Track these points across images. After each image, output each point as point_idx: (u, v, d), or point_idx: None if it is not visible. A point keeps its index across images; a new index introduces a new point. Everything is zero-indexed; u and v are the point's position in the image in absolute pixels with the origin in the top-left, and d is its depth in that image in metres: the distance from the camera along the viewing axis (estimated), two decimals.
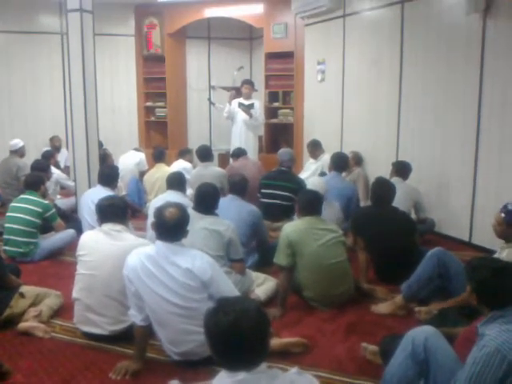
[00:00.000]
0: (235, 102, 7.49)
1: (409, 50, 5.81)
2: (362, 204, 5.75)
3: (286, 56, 8.28)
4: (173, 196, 4.51)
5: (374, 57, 6.40)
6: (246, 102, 7.41)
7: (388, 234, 4.02)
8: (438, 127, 5.45)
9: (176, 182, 4.87)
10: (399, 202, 4.38)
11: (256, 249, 4.49)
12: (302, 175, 6.59)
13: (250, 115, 7.35)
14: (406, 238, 4.08)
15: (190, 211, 3.29)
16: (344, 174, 5.94)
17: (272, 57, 8.42)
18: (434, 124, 5.50)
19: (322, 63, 7.50)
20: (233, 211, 4.21)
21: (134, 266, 2.81)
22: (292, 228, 3.67)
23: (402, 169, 5.25)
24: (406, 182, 5.15)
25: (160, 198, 4.53)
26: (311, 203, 3.76)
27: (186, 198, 4.78)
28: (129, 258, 2.85)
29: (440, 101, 5.39)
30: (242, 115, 7.44)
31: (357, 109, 6.81)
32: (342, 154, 5.79)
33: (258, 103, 7.53)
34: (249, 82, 7.65)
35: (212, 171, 5.97)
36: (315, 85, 7.70)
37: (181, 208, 2.89)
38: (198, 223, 3.60)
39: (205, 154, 6.16)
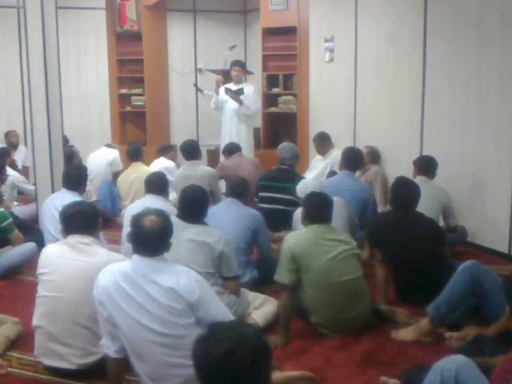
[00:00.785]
0: (223, 88, 7.52)
1: (434, 22, 5.84)
2: (380, 209, 5.76)
3: (287, 32, 8.30)
4: (153, 201, 4.52)
5: (392, 32, 6.43)
6: (236, 87, 7.44)
7: (411, 245, 4.02)
8: (472, 117, 5.46)
9: (156, 184, 4.88)
10: (425, 206, 4.38)
11: (256, 263, 4.52)
12: (308, 175, 6.60)
13: (240, 102, 7.38)
14: (433, 249, 4.08)
15: (174, 219, 3.30)
16: (358, 173, 5.95)
17: (270, 33, 8.44)
18: (467, 113, 5.51)
19: (330, 40, 7.53)
20: (232, 216, 4.34)
21: (106, 286, 2.81)
22: (296, 239, 3.67)
23: (425, 165, 5.26)
24: (432, 182, 5.17)
25: (137, 204, 4.55)
26: (319, 209, 3.77)
27: (168, 204, 4.80)
28: (100, 277, 2.85)
29: (474, 84, 5.41)
30: (231, 104, 7.48)
31: (373, 95, 6.84)
32: (355, 150, 5.79)
33: (251, 88, 7.57)
34: (239, 64, 7.67)
35: (199, 171, 5.98)
36: (322, 66, 7.72)
37: (162, 216, 2.89)
38: (183, 234, 3.61)
39: (191, 151, 6.17)
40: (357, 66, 7.08)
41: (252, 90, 7.54)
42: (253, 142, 7.86)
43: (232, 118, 7.55)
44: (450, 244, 4.69)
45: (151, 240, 2.81)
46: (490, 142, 5.29)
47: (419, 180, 4.94)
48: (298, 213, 4.59)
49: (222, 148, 7.18)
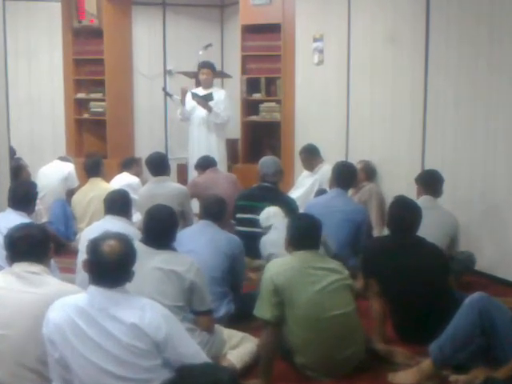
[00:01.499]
0: (190, 93, 7.55)
1: (438, 19, 5.90)
2: (376, 233, 5.78)
3: (271, 30, 8.37)
4: (113, 223, 4.52)
5: (391, 30, 6.51)
6: (204, 92, 7.47)
7: (412, 275, 4.04)
8: (480, 126, 5.50)
9: (118, 203, 4.87)
10: (429, 232, 4.38)
11: (232, 295, 4.52)
12: (294, 194, 6.63)
13: (209, 109, 7.40)
14: (436, 280, 4.10)
15: (138, 244, 3.29)
16: (351, 191, 5.99)
17: (251, 31, 8.51)
18: (475, 121, 5.55)
19: (319, 40, 7.60)
20: (205, 240, 4.37)
21: (58, 322, 2.79)
22: (279, 268, 3.67)
23: (430, 181, 5.24)
24: (439, 206, 5.16)
25: (95, 227, 4.54)
26: (305, 233, 3.78)
27: (131, 227, 4.79)
28: (51, 312, 2.83)
29: (482, 90, 5.45)
30: (200, 111, 7.52)
31: (368, 102, 6.90)
32: (347, 165, 5.85)
33: (223, 93, 7.62)
34: (207, 65, 7.68)
35: (168, 189, 5.97)
36: (311, 69, 7.79)
37: (124, 240, 2.90)
38: (149, 261, 3.60)
39: (158, 165, 6.16)
40: (350, 69, 7.14)
41: (223, 95, 7.57)
42: (225, 154, 7.85)
43: (200, 128, 7.58)
44: (456, 273, 4.71)
45: (111, 268, 2.81)
46: (502, 155, 5.33)
47: (424, 201, 4.94)
48: (266, 239, 4.74)
49: (190, 162, 7.18)
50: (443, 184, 5.25)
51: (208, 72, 7.59)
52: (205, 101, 7.37)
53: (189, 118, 7.65)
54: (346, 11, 7.12)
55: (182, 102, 7.65)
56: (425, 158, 6.13)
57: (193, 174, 7.35)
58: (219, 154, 7.52)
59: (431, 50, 6.00)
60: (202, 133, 7.57)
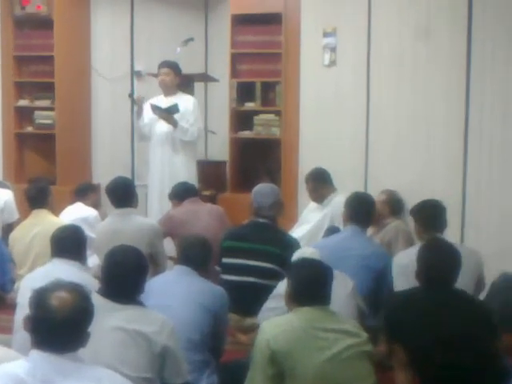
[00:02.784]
0: (149, 105, 7.61)
1: (482, 10, 5.95)
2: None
3: (269, 21, 8.44)
4: (63, 269, 4.50)
5: (422, 24, 6.55)
6: (167, 102, 7.52)
7: (452, 341, 4.00)
8: None
9: (69, 243, 4.87)
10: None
11: (216, 364, 4.50)
12: (297, 232, 6.62)
13: (174, 124, 7.47)
14: (483, 346, 4.08)
15: (95, 297, 3.28)
16: (371, 229, 6.01)
17: (244, 22, 8.56)
18: None
19: (331, 35, 7.62)
20: (182, 292, 4.37)
21: None
22: (277, 329, 3.67)
23: (434, 214, 5.30)
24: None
25: (40, 274, 4.54)
26: (311, 284, 3.79)
27: (86, 274, 4.80)
28: None
29: None
30: (162, 126, 7.59)
31: (393, 114, 6.93)
32: (364, 196, 5.86)
33: (191, 102, 7.69)
34: (166, 64, 7.75)
35: (135, 225, 5.97)
36: (320, 72, 7.81)
37: (79, 292, 2.89)
38: (108, 319, 3.59)
39: (122, 194, 6.15)
40: (370, 73, 7.16)
41: (192, 104, 7.67)
42: (195, 180, 7.87)
43: (164, 147, 7.66)
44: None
45: (61, 328, 2.80)
46: None
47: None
48: (283, 284, 4.59)
49: (150, 190, 7.26)
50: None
51: (168, 72, 7.67)
52: (168, 114, 7.43)
53: (148, 136, 7.72)
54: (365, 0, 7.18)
55: (139, 114, 7.71)
56: (466, 184, 6.15)
57: (153, 206, 7.46)
58: (188, 179, 7.45)
59: (474, 49, 6.06)
60: (166, 153, 7.67)
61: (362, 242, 5.47)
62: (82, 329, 2.86)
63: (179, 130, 7.49)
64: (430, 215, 5.31)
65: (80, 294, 2.89)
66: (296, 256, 4.92)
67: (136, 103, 8.26)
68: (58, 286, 2.89)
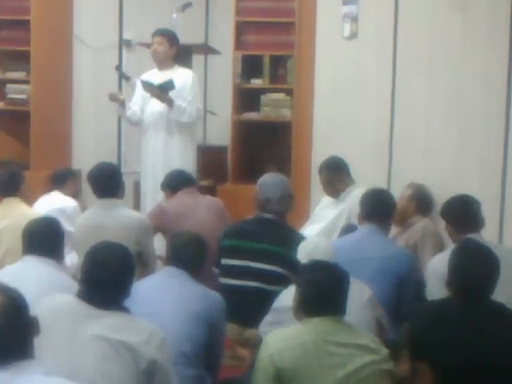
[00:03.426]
0: (139, 82, 7.65)
1: None
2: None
3: None
4: (36, 268, 4.56)
5: None
6: (160, 77, 7.51)
7: (489, 361, 3.97)
8: None
9: (44, 238, 4.84)
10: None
11: (212, 380, 4.53)
12: (309, 230, 6.62)
13: (169, 103, 7.47)
14: None
15: (73, 302, 3.39)
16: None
17: None
18: None
19: (352, 2, 7.65)
20: (173, 296, 4.38)
21: None
22: (283, 343, 3.68)
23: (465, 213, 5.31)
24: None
25: (8, 273, 4.55)
26: (324, 291, 3.78)
27: (62, 274, 4.79)
28: None
29: None
30: (155, 105, 7.59)
31: (423, 96, 6.91)
32: (383, 194, 5.85)
33: (189, 76, 7.71)
34: (162, 33, 7.75)
35: (121, 219, 5.97)
36: (339, 45, 7.85)
37: (12, 298, 2.89)
38: (88, 327, 3.60)
39: (106, 182, 6.14)
40: (397, 48, 7.15)
41: (190, 79, 7.68)
42: (195, 168, 7.94)
43: (157, 130, 7.69)
44: None
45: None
46: None
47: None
48: (288, 293, 4.58)
49: (142, 179, 7.33)
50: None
51: (162, 42, 7.65)
52: (162, 91, 7.40)
53: (139, 117, 7.71)
54: None
55: (122, 108, 7.70)
56: (506, 179, 6.10)
57: (147, 198, 7.52)
58: (185, 167, 7.43)
59: None
60: (160, 136, 7.68)
61: (381, 242, 5.47)
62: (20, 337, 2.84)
63: (175, 110, 7.49)
64: (462, 212, 5.33)
65: (13, 299, 2.88)
66: (303, 248, 4.94)
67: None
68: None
